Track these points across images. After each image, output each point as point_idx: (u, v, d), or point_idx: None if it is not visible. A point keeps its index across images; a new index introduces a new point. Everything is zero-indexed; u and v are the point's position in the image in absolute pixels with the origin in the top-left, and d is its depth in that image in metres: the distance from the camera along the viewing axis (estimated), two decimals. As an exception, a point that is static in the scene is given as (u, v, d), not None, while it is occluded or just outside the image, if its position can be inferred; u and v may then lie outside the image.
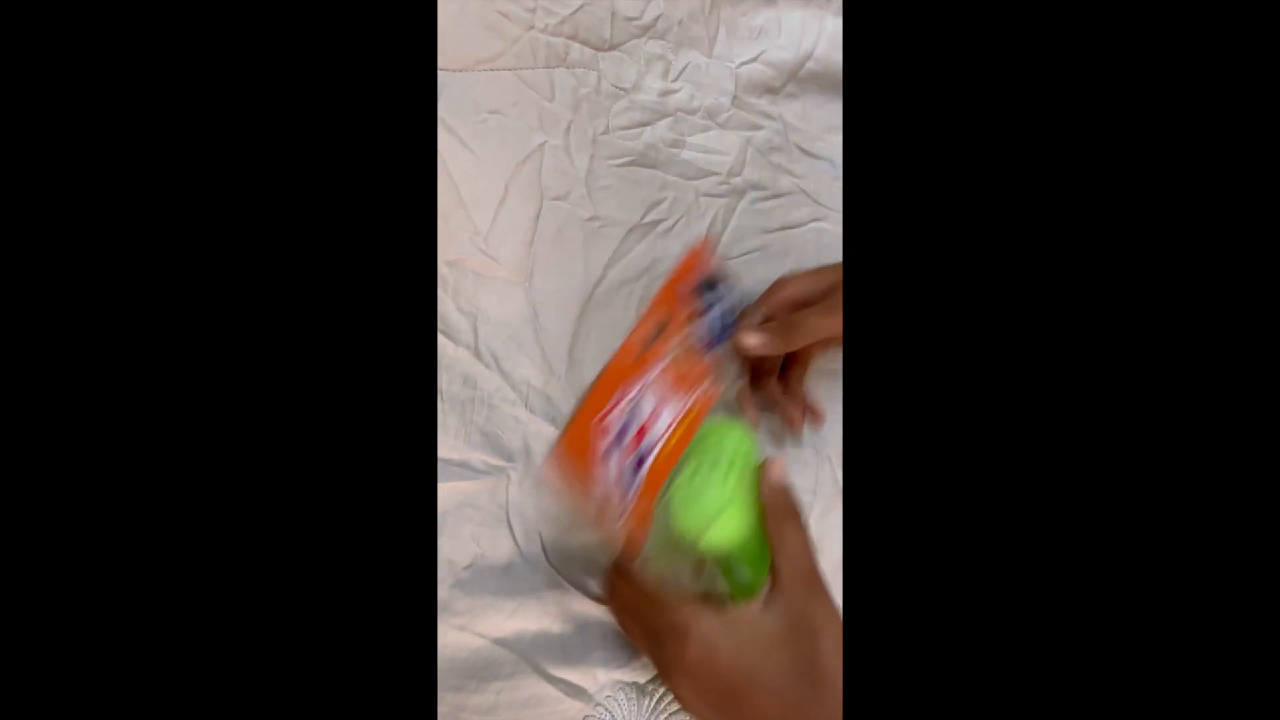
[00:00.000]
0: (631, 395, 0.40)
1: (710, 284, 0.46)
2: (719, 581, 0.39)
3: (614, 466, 0.38)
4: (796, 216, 0.57)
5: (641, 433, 0.39)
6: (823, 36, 0.61)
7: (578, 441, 0.38)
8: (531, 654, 0.42)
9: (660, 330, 0.43)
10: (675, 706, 0.45)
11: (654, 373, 0.41)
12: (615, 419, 0.39)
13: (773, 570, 0.36)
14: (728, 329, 0.46)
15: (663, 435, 0.40)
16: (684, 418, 0.41)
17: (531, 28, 0.48)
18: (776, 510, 0.37)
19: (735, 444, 0.40)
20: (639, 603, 0.36)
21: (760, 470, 0.39)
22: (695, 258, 0.46)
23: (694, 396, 0.42)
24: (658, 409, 0.41)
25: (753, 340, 0.43)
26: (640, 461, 0.39)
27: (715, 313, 0.47)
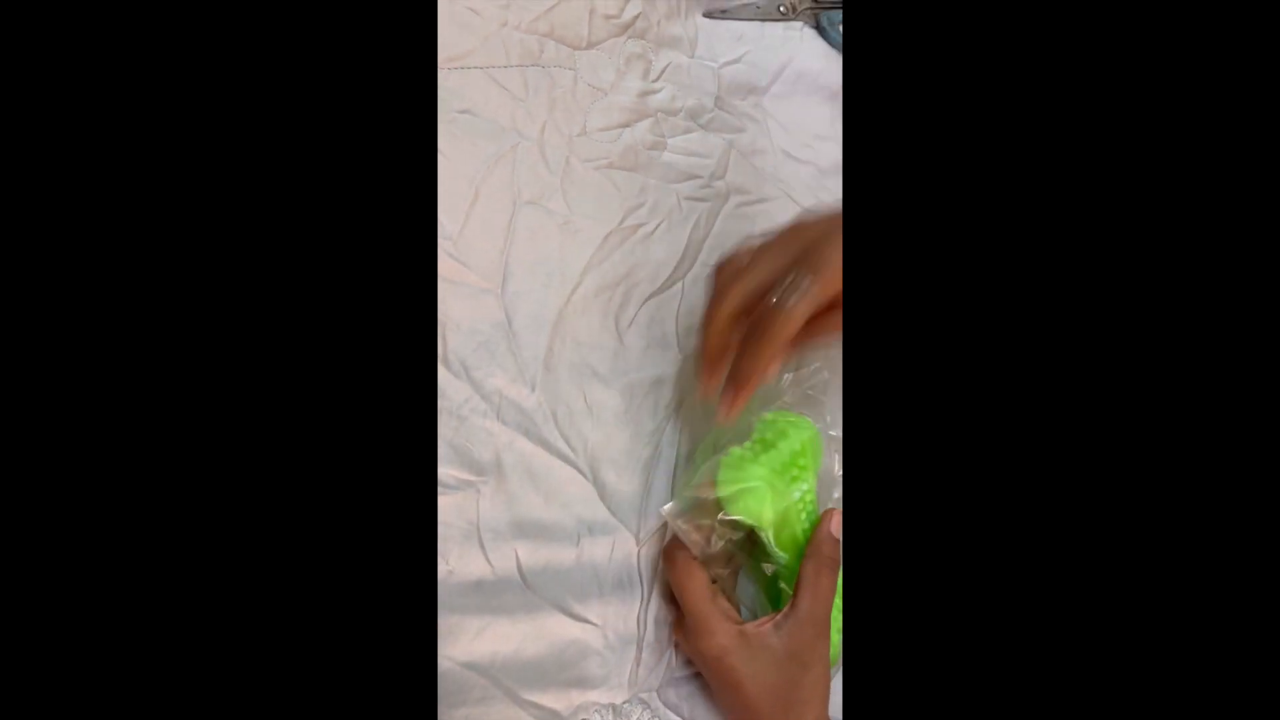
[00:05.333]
0: None
1: None
2: (756, 583, 0.45)
3: None
4: (782, 222, 0.55)
5: None
6: (805, 38, 0.60)
7: None
8: (503, 677, 0.40)
9: None
10: (653, 730, 0.43)
11: None
12: None
13: (794, 600, 0.41)
14: None
15: None
16: None
17: (505, 24, 0.46)
18: (821, 556, 0.41)
19: (797, 441, 0.43)
20: (683, 584, 0.42)
21: (821, 517, 0.43)
22: None
23: None
24: None
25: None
26: None
27: None
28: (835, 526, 0.41)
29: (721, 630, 0.40)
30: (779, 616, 0.40)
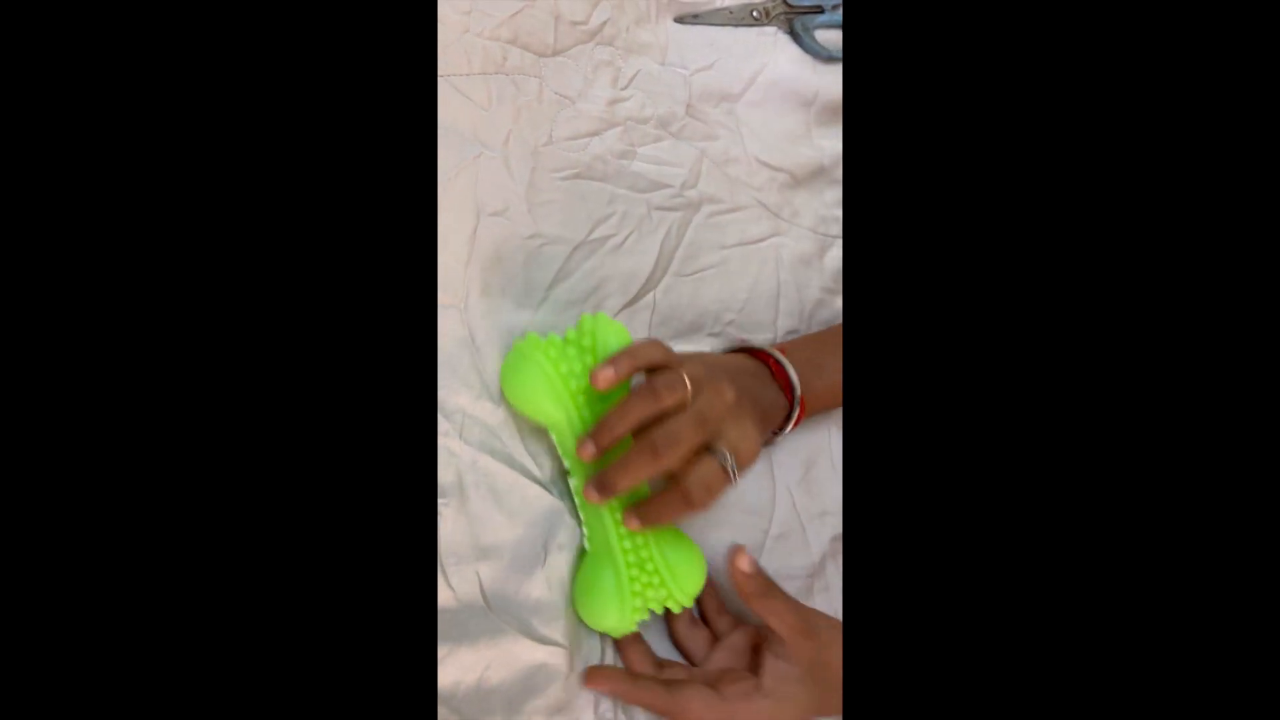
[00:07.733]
0: None
1: None
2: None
3: None
4: (755, 231, 0.55)
5: None
6: (779, 44, 0.59)
7: None
8: (464, 707, 0.39)
9: None
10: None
11: None
12: None
13: (766, 645, 0.42)
14: None
15: None
16: None
17: (466, 31, 0.45)
18: (754, 598, 0.42)
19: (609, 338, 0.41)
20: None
21: (731, 560, 0.42)
22: None
23: None
24: None
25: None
26: None
27: None
28: (744, 564, 0.41)
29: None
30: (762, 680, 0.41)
